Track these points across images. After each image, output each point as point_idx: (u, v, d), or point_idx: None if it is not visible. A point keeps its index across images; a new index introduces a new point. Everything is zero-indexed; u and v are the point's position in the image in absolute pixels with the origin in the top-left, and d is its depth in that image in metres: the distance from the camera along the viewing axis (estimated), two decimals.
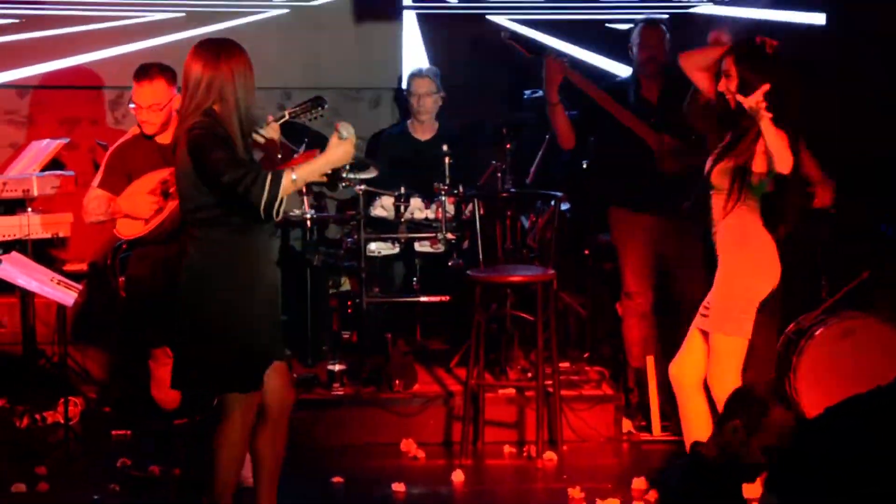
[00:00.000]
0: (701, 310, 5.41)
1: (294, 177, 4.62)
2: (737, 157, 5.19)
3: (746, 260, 5.26)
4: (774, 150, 5.01)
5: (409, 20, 7.80)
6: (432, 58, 7.63)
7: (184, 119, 4.75)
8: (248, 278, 4.75)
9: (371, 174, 6.70)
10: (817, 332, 6.48)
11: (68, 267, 6.79)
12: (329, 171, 4.78)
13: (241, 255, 4.75)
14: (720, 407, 5.20)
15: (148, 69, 5.93)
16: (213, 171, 4.62)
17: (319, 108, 5.57)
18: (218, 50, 4.72)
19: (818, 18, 7.70)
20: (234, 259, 4.74)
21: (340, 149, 4.69)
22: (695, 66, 5.45)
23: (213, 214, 4.72)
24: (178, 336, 4.83)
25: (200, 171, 4.66)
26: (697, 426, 5.26)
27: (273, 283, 4.88)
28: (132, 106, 5.97)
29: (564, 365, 6.80)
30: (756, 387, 4.08)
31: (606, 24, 7.84)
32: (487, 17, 7.77)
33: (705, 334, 5.33)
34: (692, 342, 5.42)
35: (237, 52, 4.74)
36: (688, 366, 5.39)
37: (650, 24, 6.66)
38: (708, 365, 5.33)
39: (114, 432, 6.48)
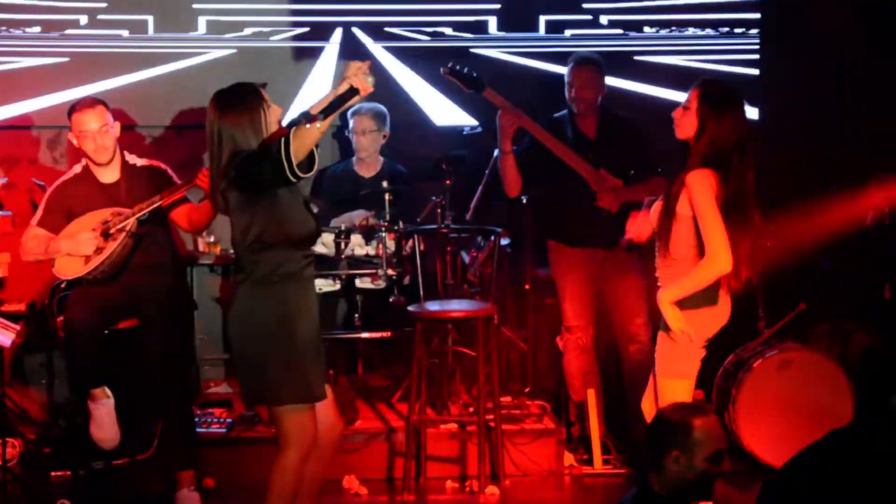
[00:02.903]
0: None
1: (318, 125, 4.78)
2: (668, 200, 5.10)
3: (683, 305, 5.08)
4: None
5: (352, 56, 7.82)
6: (373, 95, 7.63)
7: (220, 171, 4.93)
8: (302, 304, 4.99)
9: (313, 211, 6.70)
10: (755, 364, 6.54)
11: (6, 307, 6.72)
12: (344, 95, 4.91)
13: (283, 282, 4.93)
14: None
15: (83, 99, 5.99)
16: (247, 178, 4.86)
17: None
18: (217, 100, 4.96)
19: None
20: (287, 287, 4.94)
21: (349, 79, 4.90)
22: None
23: (253, 247, 4.92)
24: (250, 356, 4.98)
25: (244, 188, 4.88)
26: None
27: (315, 314, 5.10)
28: (78, 137, 5.94)
29: (506, 399, 6.82)
30: (668, 412, 4.08)
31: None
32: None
33: None
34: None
35: (237, 98, 4.95)
36: (653, 401, 5.34)
37: (579, 62, 6.66)
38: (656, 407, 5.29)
39: (53, 473, 6.41)
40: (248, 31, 7.74)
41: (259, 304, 4.93)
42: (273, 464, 4.96)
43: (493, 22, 7.88)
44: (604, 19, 7.95)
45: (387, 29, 7.82)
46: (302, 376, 4.95)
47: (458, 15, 7.88)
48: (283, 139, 4.78)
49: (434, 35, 7.84)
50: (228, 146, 4.89)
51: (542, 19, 7.90)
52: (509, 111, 6.46)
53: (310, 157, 4.85)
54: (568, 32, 7.87)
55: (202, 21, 7.71)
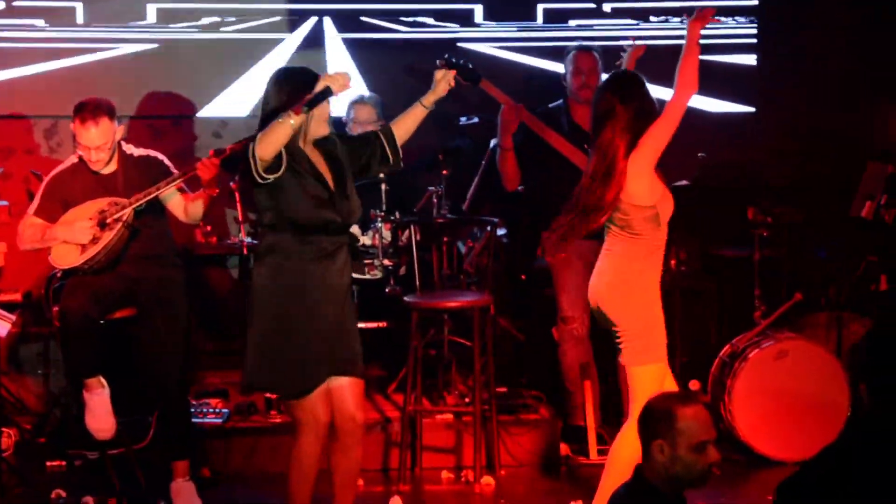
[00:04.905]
0: None
1: (292, 122, 4.86)
2: None
3: None
4: None
5: (344, 47, 7.81)
6: (368, 84, 7.63)
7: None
8: (297, 290, 5.04)
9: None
10: (751, 355, 6.54)
11: (2, 297, 6.73)
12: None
13: (290, 265, 5.05)
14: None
15: (92, 110, 5.84)
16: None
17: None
18: (278, 79, 5.11)
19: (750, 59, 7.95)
20: (281, 269, 5.05)
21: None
22: None
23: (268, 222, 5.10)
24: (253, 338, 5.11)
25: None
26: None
27: (335, 299, 5.13)
28: (77, 140, 5.92)
29: (502, 390, 6.82)
30: (655, 401, 4.09)
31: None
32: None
33: None
34: None
35: (296, 81, 5.06)
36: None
37: (583, 49, 6.70)
38: None
39: (48, 463, 6.43)
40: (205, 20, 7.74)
41: (258, 278, 5.08)
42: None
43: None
44: (607, 7, 7.96)
45: (363, 18, 7.81)
46: (293, 363, 5.04)
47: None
48: (251, 139, 4.87)
49: (413, 25, 7.83)
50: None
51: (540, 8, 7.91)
52: (511, 107, 6.46)
53: (278, 159, 4.92)
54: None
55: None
